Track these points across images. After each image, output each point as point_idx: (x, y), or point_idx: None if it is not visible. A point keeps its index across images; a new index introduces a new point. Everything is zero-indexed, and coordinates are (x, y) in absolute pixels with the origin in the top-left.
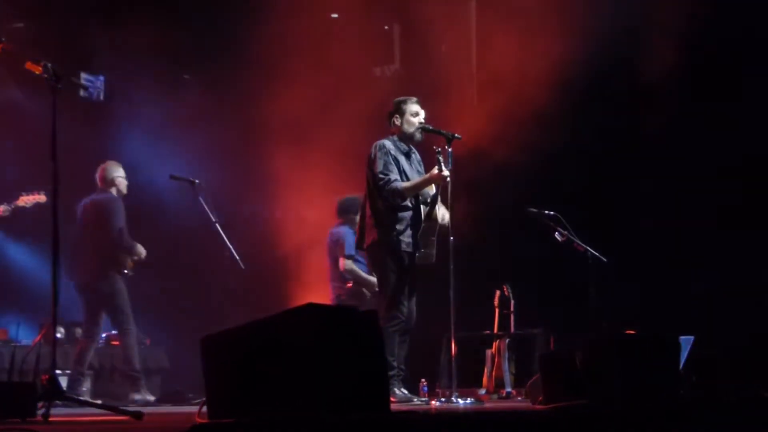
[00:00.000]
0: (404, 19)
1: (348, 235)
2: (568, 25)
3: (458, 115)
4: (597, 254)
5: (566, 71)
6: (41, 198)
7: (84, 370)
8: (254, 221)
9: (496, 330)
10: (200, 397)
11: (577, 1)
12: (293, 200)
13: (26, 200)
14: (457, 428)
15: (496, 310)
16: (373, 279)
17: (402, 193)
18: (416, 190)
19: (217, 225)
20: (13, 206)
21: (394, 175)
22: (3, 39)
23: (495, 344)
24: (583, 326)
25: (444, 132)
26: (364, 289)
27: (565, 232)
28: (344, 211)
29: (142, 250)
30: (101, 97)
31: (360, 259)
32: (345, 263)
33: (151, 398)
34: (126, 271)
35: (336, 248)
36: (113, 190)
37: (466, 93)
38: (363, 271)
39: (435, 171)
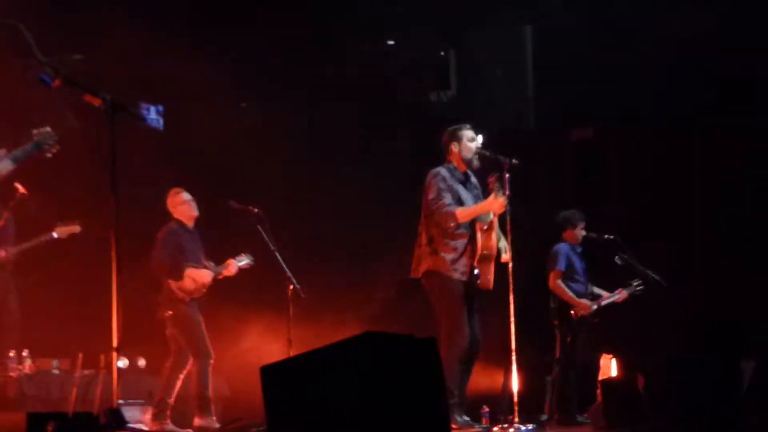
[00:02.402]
0: (460, 45)
1: (561, 250)
2: None
3: (515, 140)
4: (657, 278)
5: None
6: (76, 228)
7: (167, 398)
8: (317, 246)
9: (557, 355)
10: (262, 426)
11: None
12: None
13: (61, 231)
14: None
15: (558, 336)
16: (581, 301)
17: (456, 218)
18: (472, 217)
19: (276, 253)
20: (47, 239)
21: (448, 200)
22: (62, 73)
23: (556, 370)
24: (644, 350)
25: (502, 157)
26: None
27: (625, 256)
28: (562, 225)
29: (198, 277)
30: (160, 126)
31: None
32: (553, 279)
33: (216, 425)
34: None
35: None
36: (174, 220)
37: (521, 117)
38: (572, 290)
39: (492, 197)
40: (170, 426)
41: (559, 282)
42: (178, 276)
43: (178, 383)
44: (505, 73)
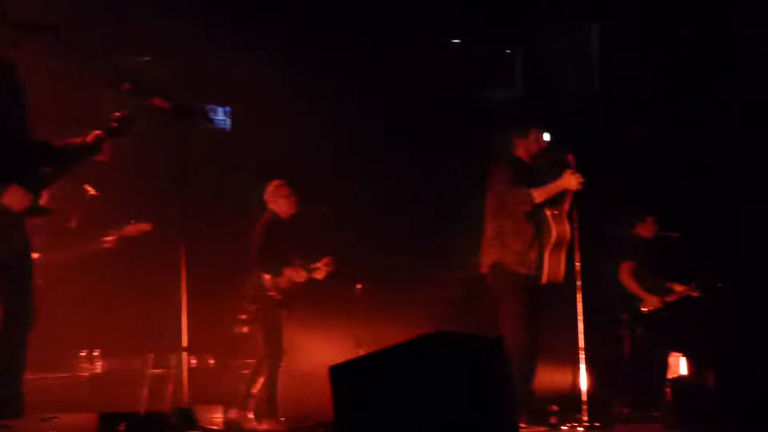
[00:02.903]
0: (525, 43)
1: (631, 244)
2: None
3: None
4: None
5: None
6: (147, 227)
7: (250, 396)
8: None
9: (627, 351)
10: (330, 426)
11: None
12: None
13: (133, 229)
14: None
15: (627, 331)
16: (651, 296)
17: (531, 197)
18: (548, 196)
19: (343, 253)
20: (119, 235)
21: (521, 184)
22: (130, 76)
23: (625, 366)
24: (714, 348)
25: (566, 156)
26: None
27: (692, 252)
28: (630, 220)
29: (295, 275)
30: (227, 127)
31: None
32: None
33: (283, 426)
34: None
35: None
36: (270, 211)
37: (589, 115)
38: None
39: (568, 173)
40: (251, 423)
41: (630, 276)
42: (277, 272)
43: (260, 380)
44: (571, 69)
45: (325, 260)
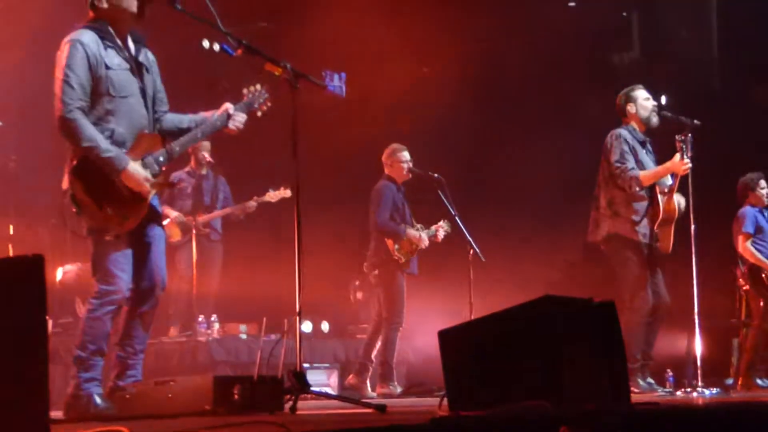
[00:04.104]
0: (643, 6)
1: (748, 213)
2: None
3: (698, 103)
4: None
5: None
6: (287, 193)
7: (367, 361)
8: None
9: (743, 317)
10: (443, 390)
11: None
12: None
13: (272, 196)
14: (696, 422)
15: (743, 298)
16: None
17: (640, 182)
18: (655, 179)
19: (457, 218)
20: (260, 201)
21: (631, 163)
22: (244, 42)
23: (742, 333)
24: None
25: (683, 119)
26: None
27: None
28: (743, 189)
29: (412, 235)
30: (342, 93)
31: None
32: (742, 242)
33: (397, 391)
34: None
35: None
36: (386, 176)
37: (707, 80)
38: (762, 253)
39: (676, 159)
40: (366, 388)
41: (749, 245)
42: (399, 236)
43: (376, 345)
44: (689, 33)
45: (441, 223)
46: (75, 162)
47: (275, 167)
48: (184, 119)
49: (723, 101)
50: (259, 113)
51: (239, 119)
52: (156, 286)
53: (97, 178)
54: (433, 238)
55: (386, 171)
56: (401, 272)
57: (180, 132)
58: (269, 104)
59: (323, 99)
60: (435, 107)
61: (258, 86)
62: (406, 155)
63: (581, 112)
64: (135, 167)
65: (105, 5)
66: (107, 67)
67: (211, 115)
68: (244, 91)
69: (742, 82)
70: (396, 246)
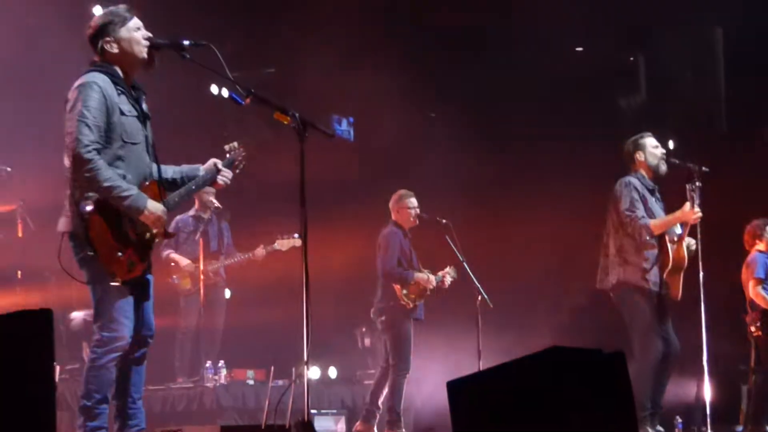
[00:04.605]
0: (649, 49)
1: (758, 258)
2: None
3: (706, 145)
4: None
5: None
6: (297, 242)
7: (375, 408)
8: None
9: (752, 363)
10: None
11: None
12: (538, 228)
13: (283, 244)
14: None
15: (753, 343)
16: None
17: (651, 231)
18: (666, 228)
19: (465, 264)
20: (269, 250)
21: (641, 212)
22: (252, 91)
23: (751, 379)
24: None
25: (692, 165)
26: None
27: None
28: (752, 234)
29: (420, 277)
30: (351, 138)
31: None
32: (753, 287)
33: None
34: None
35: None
36: (393, 222)
37: (714, 122)
38: None
39: (687, 208)
40: None
41: (760, 290)
42: (407, 281)
43: (384, 391)
44: (696, 75)
45: (448, 269)
46: (88, 204)
47: (281, 213)
48: (168, 170)
49: (730, 144)
50: (236, 170)
51: (227, 175)
52: (152, 333)
53: (111, 221)
54: (440, 283)
55: (393, 217)
56: (408, 318)
57: (166, 183)
58: (245, 163)
59: (330, 143)
60: (442, 152)
61: (235, 144)
62: (413, 201)
63: (589, 157)
64: (154, 204)
65: (116, 50)
66: (121, 113)
67: (198, 168)
68: (226, 147)
69: (750, 125)
70: (404, 291)
